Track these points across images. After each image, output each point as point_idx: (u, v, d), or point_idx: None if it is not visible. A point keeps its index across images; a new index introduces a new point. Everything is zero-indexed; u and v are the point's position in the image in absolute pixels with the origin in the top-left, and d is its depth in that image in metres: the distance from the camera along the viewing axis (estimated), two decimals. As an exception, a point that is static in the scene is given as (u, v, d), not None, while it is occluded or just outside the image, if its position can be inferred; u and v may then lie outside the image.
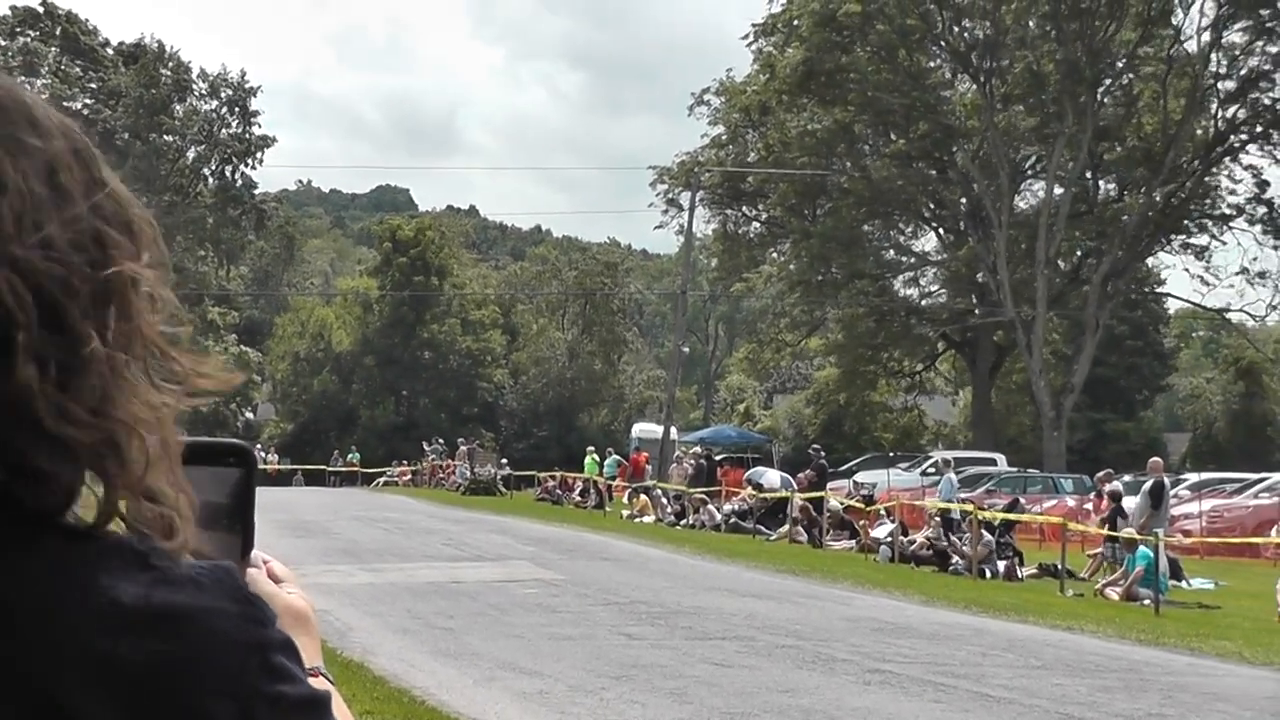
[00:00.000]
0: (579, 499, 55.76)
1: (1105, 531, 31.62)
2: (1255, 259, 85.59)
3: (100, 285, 1.37)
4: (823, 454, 49.53)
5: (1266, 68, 66.42)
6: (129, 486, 1.38)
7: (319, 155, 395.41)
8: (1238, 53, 66.60)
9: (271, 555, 1.87)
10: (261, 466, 62.11)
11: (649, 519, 47.87)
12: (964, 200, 74.05)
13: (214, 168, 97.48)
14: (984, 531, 32.01)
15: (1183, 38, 66.87)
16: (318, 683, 1.75)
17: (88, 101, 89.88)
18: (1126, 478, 42.72)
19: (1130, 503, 31.80)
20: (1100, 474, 40.42)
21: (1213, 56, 65.84)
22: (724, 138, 79.99)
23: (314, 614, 1.85)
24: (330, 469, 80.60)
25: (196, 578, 1.38)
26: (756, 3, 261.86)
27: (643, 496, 51.11)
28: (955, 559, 32.21)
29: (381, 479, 76.28)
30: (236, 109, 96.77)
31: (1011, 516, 34.76)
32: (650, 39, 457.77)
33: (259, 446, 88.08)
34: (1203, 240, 72.74)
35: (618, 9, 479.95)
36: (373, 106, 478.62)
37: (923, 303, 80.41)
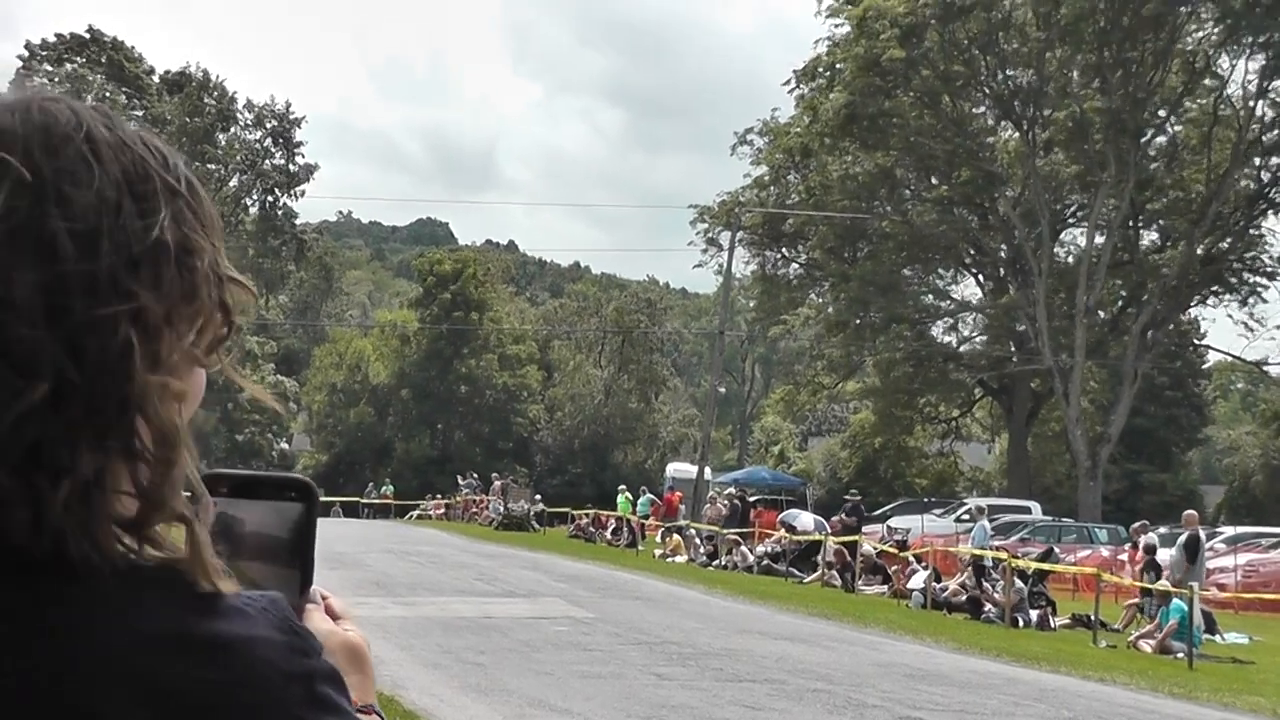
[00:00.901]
0: (612, 537, 55.70)
1: (1140, 583, 31.49)
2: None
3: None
4: (860, 498, 49.46)
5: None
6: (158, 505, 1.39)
7: (358, 187, 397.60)
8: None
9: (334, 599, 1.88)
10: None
11: (681, 559, 47.80)
12: (1004, 247, 73.94)
13: (256, 197, 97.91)
14: (1016, 579, 31.89)
15: (1227, 89, 66.72)
16: (368, 718, 1.77)
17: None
18: (1162, 529, 42.47)
19: (1165, 555, 31.69)
20: (1135, 525, 40.21)
21: (1258, 108, 65.64)
22: (766, 178, 79.99)
23: (369, 652, 1.84)
24: (364, 501, 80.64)
25: (243, 607, 1.39)
26: (796, 41, 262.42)
27: (676, 536, 51.06)
28: (988, 607, 32.07)
29: (415, 512, 76.33)
30: (280, 140, 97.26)
31: (1045, 566, 34.63)
32: (688, 77, 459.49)
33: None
34: (1243, 293, 72.42)
35: (656, 47, 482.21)
36: (411, 139, 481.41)
37: (961, 349, 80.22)
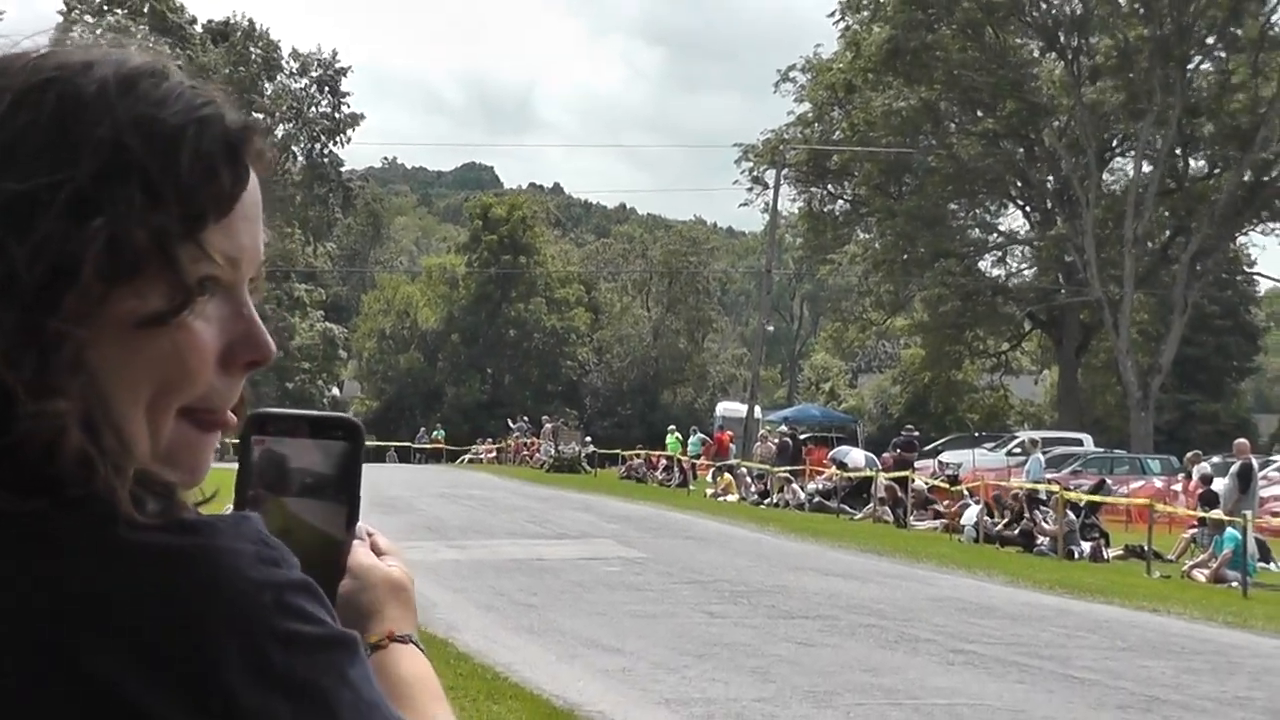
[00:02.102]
0: (663, 477, 55.79)
1: (1193, 512, 31.41)
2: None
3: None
4: (915, 432, 49.40)
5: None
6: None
7: (400, 133, 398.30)
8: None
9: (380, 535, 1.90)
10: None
11: (733, 498, 47.86)
12: (1051, 178, 73.50)
13: (302, 146, 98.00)
14: (1068, 511, 31.82)
15: (1273, 13, 66.03)
16: (405, 648, 1.77)
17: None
18: (1215, 459, 42.24)
19: (1219, 484, 31.57)
20: (1189, 455, 40.11)
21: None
22: (809, 115, 79.62)
23: (413, 587, 1.86)
24: (415, 446, 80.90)
25: (213, 522, 1.38)
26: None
27: (726, 475, 51.08)
28: (1041, 539, 32.03)
29: (466, 456, 76.60)
30: (326, 88, 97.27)
31: (1097, 498, 34.55)
32: (727, 15, 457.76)
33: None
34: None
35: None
36: (450, 83, 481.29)
37: (1009, 282, 79.85)
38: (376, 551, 1.85)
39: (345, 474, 1.75)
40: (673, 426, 64.88)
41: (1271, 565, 30.17)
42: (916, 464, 45.53)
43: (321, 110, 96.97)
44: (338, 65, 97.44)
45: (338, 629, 1.42)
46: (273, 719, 1.32)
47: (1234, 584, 25.42)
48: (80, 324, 1.33)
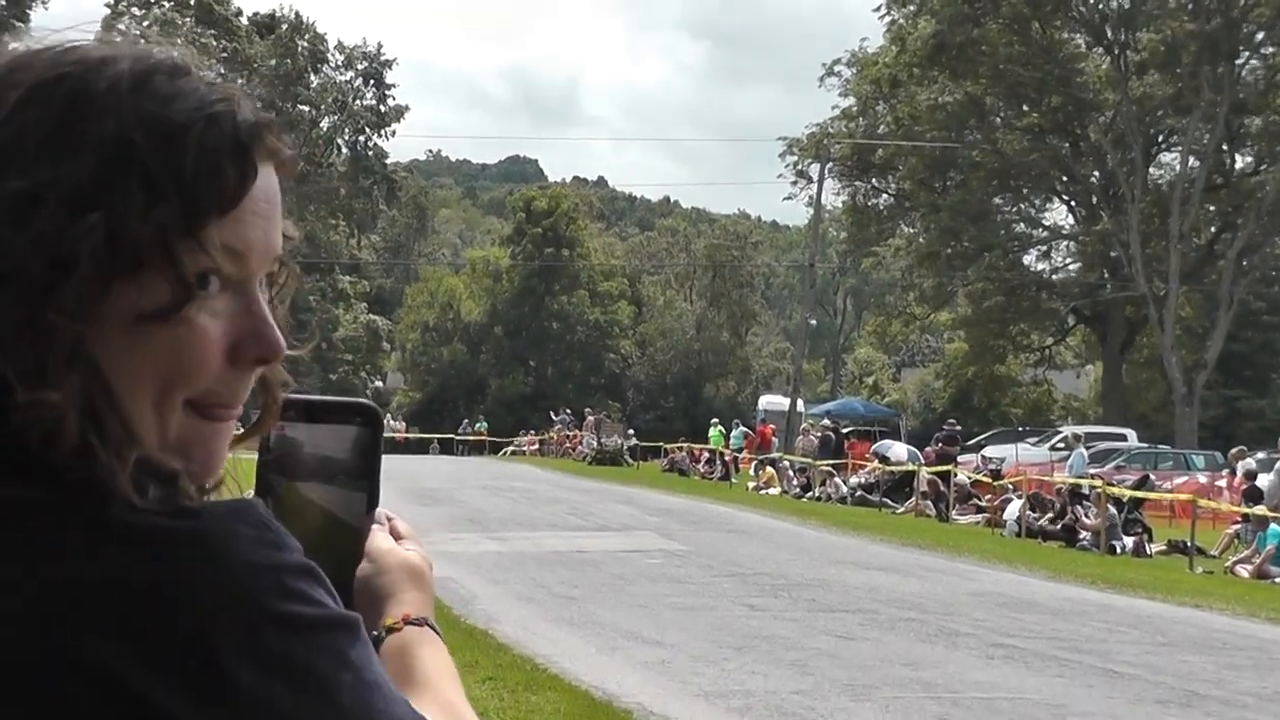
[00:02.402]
0: (705, 470, 55.79)
1: (1237, 508, 31.30)
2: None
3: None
4: (958, 426, 49.30)
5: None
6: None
7: (444, 126, 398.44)
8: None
9: (399, 520, 1.92)
10: (389, 434, 62.20)
11: (775, 491, 47.83)
12: (1096, 174, 73.30)
13: (347, 138, 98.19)
14: (1110, 506, 31.74)
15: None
16: (421, 630, 1.79)
17: (221, 71, 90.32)
18: (1260, 455, 42.08)
19: (1264, 480, 31.46)
20: (1234, 451, 39.97)
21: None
22: (854, 109, 79.51)
23: (430, 572, 1.87)
24: (458, 438, 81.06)
25: (212, 507, 1.40)
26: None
27: (769, 468, 51.05)
28: (1083, 535, 31.95)
29: (509, 448, 76.68)
30: (372, 81, 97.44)
31: (1140, 494, 34.45)
32: (769, 10, 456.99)
33: (388, 415, 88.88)
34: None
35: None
36: (495, 76, 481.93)
37: (1053, 277, 79.65)
38: (395, 536, 1.86)
39: (364, 459, 1.78)
40: (716, 420, 64.90)
41: (1315, 562, 30.07)
42: (959, 458, 45.49)
43: (366, 103, 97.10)
44: (383, 58, 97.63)
45: (338, 611, 1.42)
46: (271, 701, 1.33)
47: (1277, 580, 25.34)
48: (78, 317, 1.34)
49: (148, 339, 1.39)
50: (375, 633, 1.73)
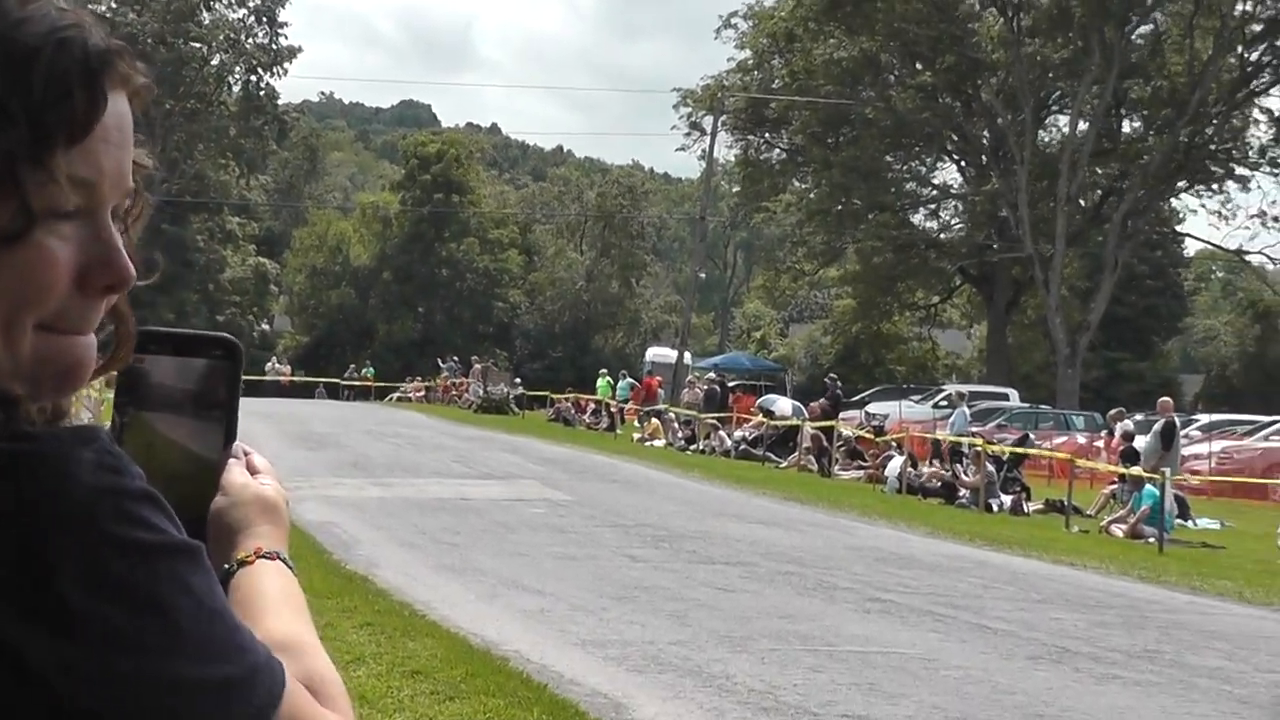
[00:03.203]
0: (591, 421, 55.83)
1: (1114, 468, 31.71)
2: (1275, 201, 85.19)
3: None
4: (839, 383, 49.57)
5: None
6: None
7: (337, 68, 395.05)
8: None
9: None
10: (275, 378, 61.72)
11: (659, 443, 47.93)
12: (987, 134, 73.75)
13: (238, 76, 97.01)
14: (988, 464, 32.07)
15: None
16: (273, 564, 1.80)
17: (113, 5, 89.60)
18: (1139, 417, 42.69)
19: (1141, 442, 31.90)
20: (1113, 412, 40.45)
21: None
22: (750, 63, 79.51)
23: (285, 506, 1.88)
24: (344, 383, 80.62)
25: (54, 431, 1.41)
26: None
27: (654, 420, 51.15)
28: (963, 492, 32.29)
29: (395, 394, 76.36)
30: (264, 19, 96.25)
31: (1020, 450, 34.85)
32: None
33: (274, 358, 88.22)
34: (1224, 185, 72.45)
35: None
36: (388, 18, 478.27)
37: (941, 236, 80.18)
38: (251, 470, 1.86)
39: (222, 392, 1.79)
40: (604, 370, 64.89)
41: (1189, 523, 30.54)
42: (843, 415, 45.79)
43: (258, 42, 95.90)
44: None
45: (179, 538, 1.42)
46: (109, 626, 1.33)
47: (1150, 540, 25.69)
48: None
49: None
50: (227, 565, 1.74)
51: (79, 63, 1.44)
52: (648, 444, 47.64)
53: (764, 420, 45.00)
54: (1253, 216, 72.89)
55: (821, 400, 46.28)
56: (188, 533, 1.46)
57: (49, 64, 1.41)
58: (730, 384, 57.58)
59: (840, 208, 75.34)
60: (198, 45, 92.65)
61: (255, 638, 1.47)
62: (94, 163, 1.46)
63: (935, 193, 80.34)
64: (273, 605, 1.74)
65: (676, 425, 49.67)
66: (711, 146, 74.03)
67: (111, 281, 1.50)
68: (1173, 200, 76.83)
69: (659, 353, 78.10)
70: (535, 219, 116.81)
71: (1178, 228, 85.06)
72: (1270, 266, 78.71)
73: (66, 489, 1.34)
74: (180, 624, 1.37)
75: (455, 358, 75.55)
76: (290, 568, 1.82)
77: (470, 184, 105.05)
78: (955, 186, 79.76)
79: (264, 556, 1.78)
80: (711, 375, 59.16)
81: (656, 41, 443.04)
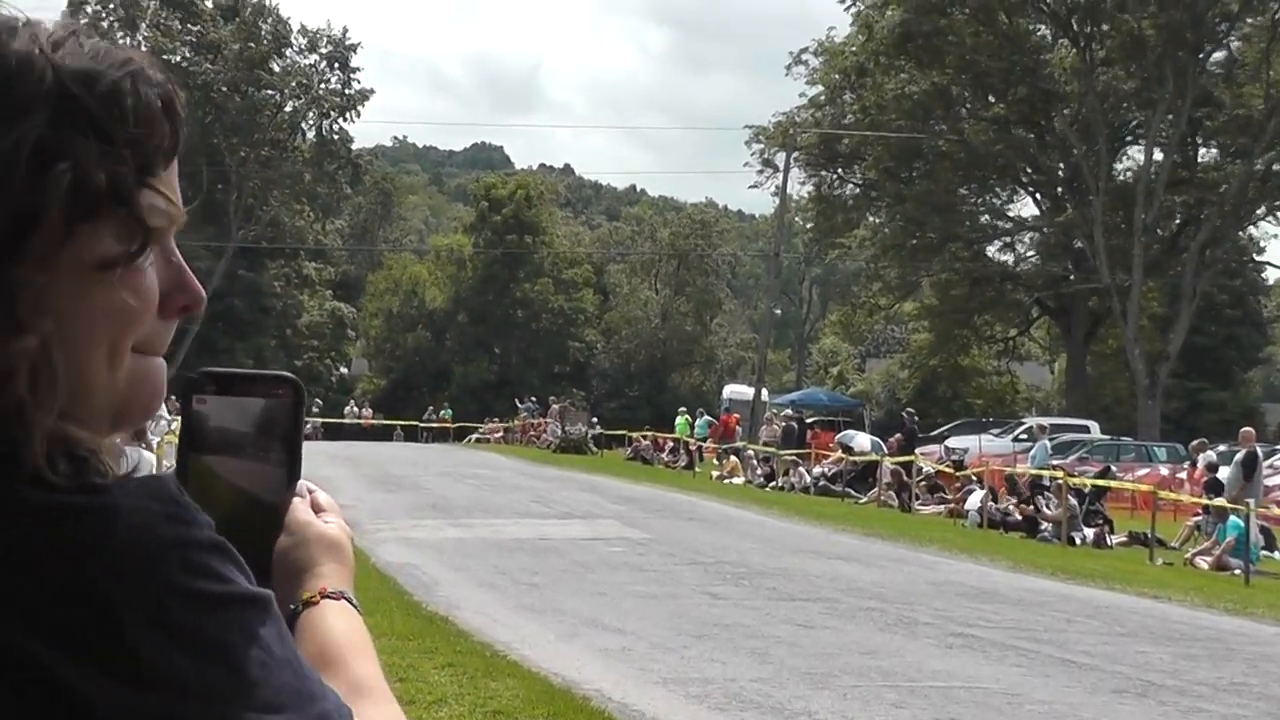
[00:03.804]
0: (669, 459, 55.82)
1: (1197, 500, 31.44)
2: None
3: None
4: (915, 417, 49.37)
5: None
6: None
7: (409, 112, 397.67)
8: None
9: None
10: (354, 421, 62.06)
11: (738, 480, 47.88)
12: (1061, 165, 73.41)
13: (312, 122, 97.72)
14: (1070, 497, 31.86)
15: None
16: (339, 604, 1.79)
17: (187, 54, 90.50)
18: (1221, 447, 42.23)
19: (1225, 473, 31.62)
20: (1195, 443, 40.11)
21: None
22: (821, 98, 79.45)
23: (349, 545, 1.87)
24: (422, 425, 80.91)
25: (123, 483, 1.40)
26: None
27: (733, 458, 51.12)
28: (1044, 526, 32.08)
29: (473, 435, 76.59)
30: (336, 64, 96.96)
31: (1102, 483, 34.60)
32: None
33: (353, 402, 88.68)
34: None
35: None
36: (458, 63, 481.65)
37: (1018, 268, 79.84)
38: (316, 509, 1.86)
39: (284, 431, 1.78)
40: (683, 409, 64.90)
41: (1275, 554, 30.26)
42: (923, 449, 45.64)
43: (331, 87, 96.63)
44: (348, 41, 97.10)
45: (248, 588, 1.43)
46: (179, 677, 1.33)
47: (1236, 571, 25.45)
48: (42, 269, 1.36)
49: (105, 288, 1.41)
50: (292, 606, 1.74)
51: (157, 93, 1.48)
52: (726, 481, 47.58)
53: (843, 456, 44.87)
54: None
55: (897, 435, 46.20)
56: (254, 573, 1.46)
57: (135, 95, 1.45)
58: (808, 420, 57.56)
59: (915, 241, 75.17)
60: (270, 92, 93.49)
61: (324, 684, 1.47)
62: (171, 186, 1.50)
63: (1010, 225, 79.97)
64: (338, 647, 1.73)
65: (755, 462, 49.61)
66: (785, 183, 74.05)
67: (188, 302, 1.54)
68: (1251, 228, 76.27)
69: (736, 390, 78.09)
70: (609, 258, 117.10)
71: (1257, 256, 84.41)
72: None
73: (136, 542, 1.34)
74: (249, 673, 1.37)
75: (533, 398, 75.80)
76: (356, 607, 1.81)
77: (542, 224, 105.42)
78: (1030, 219, 79.39)
79: (329, 596, 1.78)
80: (789, 412, 59.11)
81: (726, 78, 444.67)
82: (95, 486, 1.37)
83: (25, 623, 1.29)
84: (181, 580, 1.36)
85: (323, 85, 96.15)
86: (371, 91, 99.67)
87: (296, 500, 1.82)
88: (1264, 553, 28.56)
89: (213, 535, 1.42)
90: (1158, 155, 68.59)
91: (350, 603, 1.80)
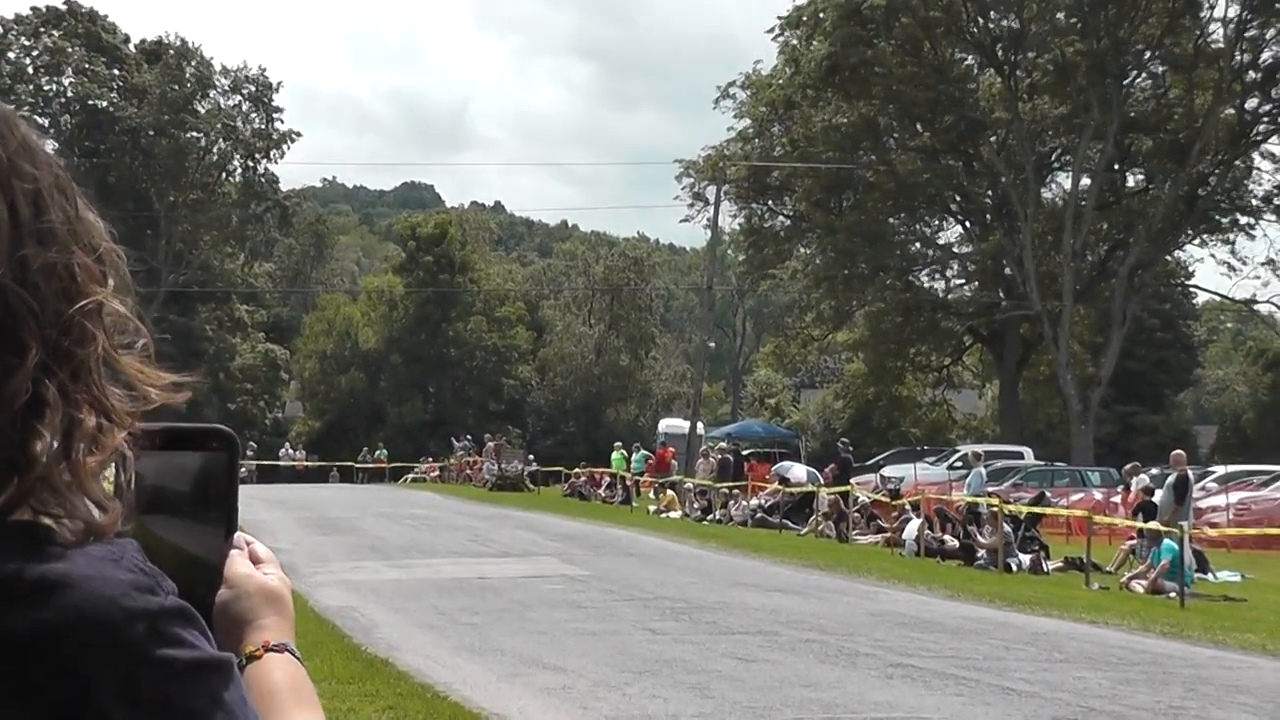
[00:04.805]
0: (606, 494, 55.84)
1: (1131, 524, 31.63)
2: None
3: (67, 313, 1.44)
4: (849, 447, 49.48)
5: (1288, 59, 66.21)
6: (32, 485, 1.42)
7: (337, 152, 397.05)
8: (1261, 45, 66.21)
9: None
10: (290, 463, 61.65)
11: (675, 514, 47.91)
12: (990, 193, 73.82)
13: (238, 163, 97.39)
14: (1005, 524, 31.98)
15: (1208, 30, 66.59)
16: (281, 656, 1.81)
17: (113, 99, 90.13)
18: (1155, 471, 42.54)
19: (1158, 496, 31.84)
20: (1127, 467, 40.36)
21: (1237, 49, 65.42)
22: (750, 131, 79.65)
23: (289, 595, 1.89)
24: (358, 466, 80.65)
25: (88, 550, 1.42)
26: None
27: (669, 492, 51.17)
28: (980, 553, 32.20)
29: (409, 475, 76.40)
30: (259, 105, 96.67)
31: (1037, 510, 34.77)
32: (654, 33, 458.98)
33: (288, 444, 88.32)
34: (1230, 234, 72.58)
35: (625, 3, 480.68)
36: (385, 103, 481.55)
37: (949, 296, 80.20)
38: (254, 560, 1.88)
39: (220, 486, 1.79)
40: (619, 444, 64.90)
41: (1209, 576, 30.43)
42: (858, 479, 45.73)
43: (255, 128, 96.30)
44: (267, 80, 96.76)
45: (212, 653, 1.46)
46: None
47: (1171, 594, 25.59)
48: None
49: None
50: (236, 660, 1.75)
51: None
52: (664, 515, 47.59)
53: (779, 488, 44.93)
54: (1262, 264, 72.85)
55: (831, 465, 46.34)
56: None
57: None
58: (744, 452, 57.66)
59: (846, 272, 75.38)
60: (196, 135, 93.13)
61: None
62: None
63: (940, 253, 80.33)
64: (283, 701, 1.75)
65: (692, 496, 49.66)
66: (715, 216, 74.19)
67: None
68: (1179, 252, 77.00)
69: (671, 424, 78.09)
70: (542, 294, 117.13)
71: (1187, 280, 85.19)
72: (1279, 315, 78.76)
73: (102, 612, 1.37)
74: None
75: (469, 436, 75.64)
76: (298, 659, 1.83)
77: (473, 263, 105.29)
78: (960, 245, 79.79)
79: (272, 649, 1.80)
80: (725, 444, 59.17)
81: (651, 113, 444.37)
82: (57, 555, 1.39)
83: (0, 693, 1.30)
84: (149, 649, 1.38)
85: (247, 126, 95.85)
86: (298, 134, 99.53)
87: (234, 553, 1.84)
88: (1198, 575, 28.74)
89: (178, 601, 1.45)
90: (1085, 181, 69.12)
91: (293, 654, 1.82)
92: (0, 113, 1.51)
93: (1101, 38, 64.58)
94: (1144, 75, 69.96)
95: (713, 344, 79.01)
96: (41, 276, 1.43)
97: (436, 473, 74.84)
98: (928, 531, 34.41)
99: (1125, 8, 64.92)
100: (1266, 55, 66.24)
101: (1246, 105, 67.55)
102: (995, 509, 32.33)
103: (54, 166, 1.52)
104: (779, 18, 74.72)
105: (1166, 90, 69.15)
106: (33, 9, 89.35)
